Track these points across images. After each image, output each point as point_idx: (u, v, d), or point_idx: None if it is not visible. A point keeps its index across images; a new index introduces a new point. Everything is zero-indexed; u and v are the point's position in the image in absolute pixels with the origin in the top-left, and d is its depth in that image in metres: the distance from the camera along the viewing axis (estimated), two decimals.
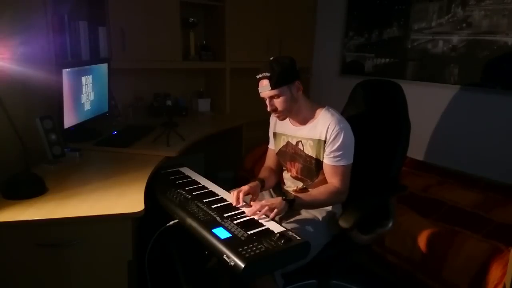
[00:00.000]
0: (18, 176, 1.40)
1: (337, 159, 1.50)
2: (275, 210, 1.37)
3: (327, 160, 1.52)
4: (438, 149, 2.82)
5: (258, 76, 1.50)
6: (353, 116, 1.80)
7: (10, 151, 1.52)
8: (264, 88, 1.49)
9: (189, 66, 2.99)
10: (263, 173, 1.72)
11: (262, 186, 1.62)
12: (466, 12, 2.56)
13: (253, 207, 1.39)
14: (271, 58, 1.51)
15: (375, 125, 1.74)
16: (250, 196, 1.51)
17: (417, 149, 2.87)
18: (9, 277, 1.26)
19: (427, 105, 2.78)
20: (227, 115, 3.13)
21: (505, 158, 2.45)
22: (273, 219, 1.36)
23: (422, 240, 1.88)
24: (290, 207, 1.42)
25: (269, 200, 1.44)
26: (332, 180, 1.52)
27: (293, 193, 1.63)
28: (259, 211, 1.36)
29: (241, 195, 1.48)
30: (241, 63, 3.09)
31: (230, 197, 1.51)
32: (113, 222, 1.31)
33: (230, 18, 2.95)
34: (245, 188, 1.51)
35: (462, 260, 1.74)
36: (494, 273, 1.63)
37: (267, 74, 1.46)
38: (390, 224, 1.66)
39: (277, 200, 1.41)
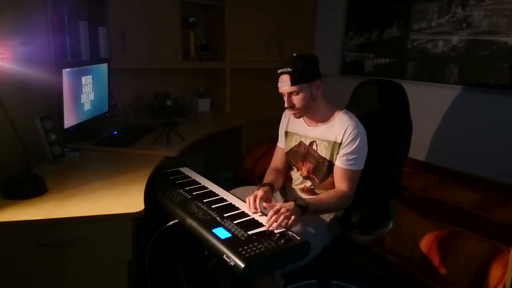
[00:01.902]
0: (18, 176, 1.40)
1: (350, 162, 1.48)
2: (293, 218, 1.30)
3: (339, 162, 1.50)
4: (438, 149, 2.82)
5: (279, 71, 1.48)
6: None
7: (10, 151, 1.52)
8: (284, 83, 1.47)
9: (189, 66, 2.99)
10: (270, 176, 1.66)
11: (272, 190, 1.57)
12: (466, 12, 2.56)
13: (269, 215, 1.31)
14: (294, 54, 1.48)
15: (376, 125, 1.74)
16: (263, 202, 1.43)
17: (417, 149, 2.87)
18: (9, 277, 1.26)
19: (427, 105, 2.77)
20: (227, 115, 3.13)
21: (505, 158, 2.45)
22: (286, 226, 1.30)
23: (422, 240, 1.88)
24: (303, 213, 1.37)
25: (282, 204, 1.37)
26: (341, 184, 1.50)
27: (304, 197, 1.58)
28: (276, 220, 1.28)
29: (257, 201, 1.41)
30: (241, 63, 3.10)
31: (245, 206, 1.43)
32: (113, 222, 1.31)
33: (230, 18, 2.95)
34: (260, 193, 1.45)
35: (462, 260, 1.73)
36: (494, 273, 1.63)
37: (288, 69, 1.44)
38: (391, 225, 1.66)
39: (291, 205, 1.35)
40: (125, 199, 1.40)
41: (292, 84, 1.45)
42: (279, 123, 1.77)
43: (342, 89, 2.22)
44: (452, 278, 1.74)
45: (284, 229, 1.28)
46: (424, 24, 2.79)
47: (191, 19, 2.91)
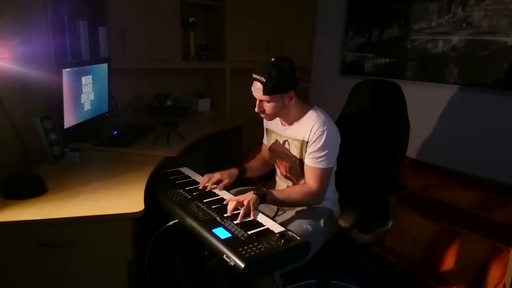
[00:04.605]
0: (18, 176, 1.40)
1: (317, 160, 1.48)
2: (251, 206, 1.36)
3: (307, 160, 1.51)
4: (438, 149, 2.82)
5: (253, 76, 1.47)
6: (353, 116, 1.80)
7: (10, 151, 1.52)
8: (257, 90, 1.47)
9: (189, 66, 2.99)
10: (253, 162, 1.81)
11: (244, 174, 1.72)
12: (466, 12, 2.56)
13: (229, 205, 1.38)
14: (272, 59, 1.45)
15: (374, 125, 1.74)
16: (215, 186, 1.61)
17: (417, 149, 2.87)
18: (9, 277, 1.26)
19: (427, 105, 2.78)
20: (227, 115, 3.13)
21: (505, 158, 2.45)
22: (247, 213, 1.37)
23: (422, 240, 1.88)
24: (262, 202, 1.41)
25: (241, 196, 1.42)
26: (309, 181, 1.50)
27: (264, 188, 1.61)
28: (235, 209, 1.37)
29: (209, 183, 1.60)
30: (241, 63, 3.09)
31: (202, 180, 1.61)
32: (113, 222, 1.31)
33: (230, 18, 2.95)
34: (217, 176, 1.62)
35: (462, 260, 1.74)
36: (494, 273, 1.63)
37: (262, 79, 1.43)
38: (390, 224, 1.66)
39: (250, 195, 1.40)
40: (125, 199, 1.40)
41: (264, 94, 1.45)
42: None
43: (342, 89, 2.22)
44: (452, 278, 1.74)
45: (284, 229, 1.28)
46: (424, 24, 2.79)
47: (191, 19, 2.91)
